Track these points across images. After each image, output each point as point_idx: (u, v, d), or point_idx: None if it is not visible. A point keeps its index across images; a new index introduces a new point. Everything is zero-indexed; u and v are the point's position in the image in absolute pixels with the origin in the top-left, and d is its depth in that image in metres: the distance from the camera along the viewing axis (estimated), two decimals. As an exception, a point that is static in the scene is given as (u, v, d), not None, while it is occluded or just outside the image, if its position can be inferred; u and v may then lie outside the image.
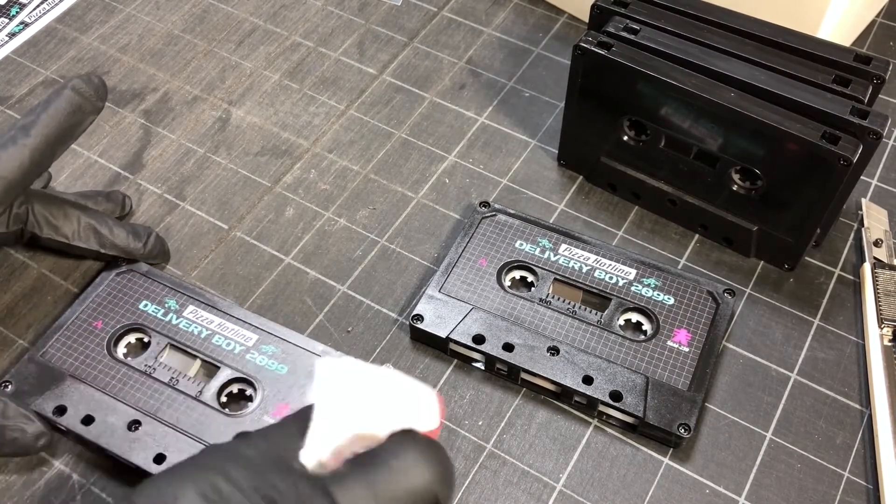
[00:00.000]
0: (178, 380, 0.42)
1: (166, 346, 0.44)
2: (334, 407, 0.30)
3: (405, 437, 0.30)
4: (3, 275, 0.48)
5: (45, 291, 0.48)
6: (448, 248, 0.49)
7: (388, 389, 0.31)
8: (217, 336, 0.44)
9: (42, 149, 0.41)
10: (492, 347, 0.43)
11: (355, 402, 0.30)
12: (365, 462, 0.29)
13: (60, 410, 0.41)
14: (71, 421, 0.41)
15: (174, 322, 0.44)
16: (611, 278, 0.46)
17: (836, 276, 0.48)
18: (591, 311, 0.45)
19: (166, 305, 0.45)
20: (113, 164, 0.53)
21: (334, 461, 0.30)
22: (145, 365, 0.43)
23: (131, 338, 0.44)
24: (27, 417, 0.40)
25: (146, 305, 0.45)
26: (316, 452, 0.30)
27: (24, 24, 0.62)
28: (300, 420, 0.30)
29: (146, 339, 0.44)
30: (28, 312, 0.47)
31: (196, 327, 0.44)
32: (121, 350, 0.44)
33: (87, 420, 0.41)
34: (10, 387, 0.42)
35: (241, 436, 0.31)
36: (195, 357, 0.43)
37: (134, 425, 0.41)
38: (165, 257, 0.48)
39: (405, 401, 0.31)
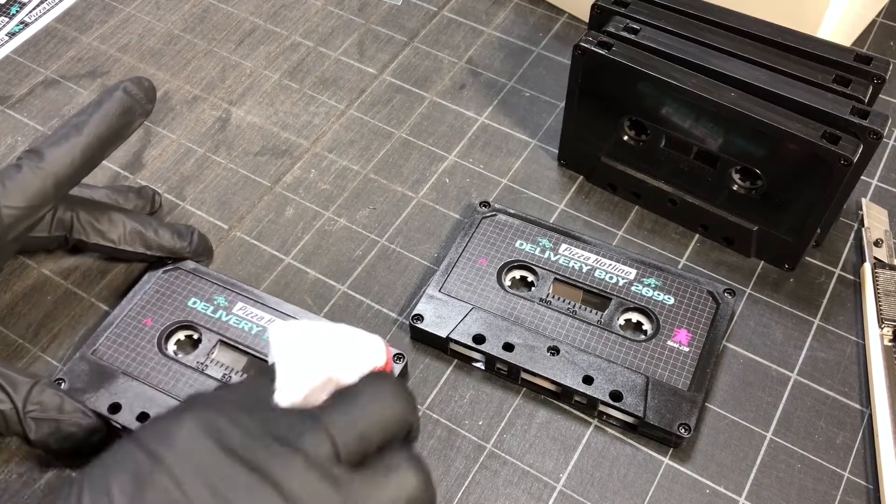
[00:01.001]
0: (230, 376, 0.43)
1: (217, 342, 0.44)
2: (296, 360, 0.32)
3: (375, 377, 0.32)
4: (3, 275, 0.48)
5: (45, 291, 0.48)
6: (448, 248, 0.49)
7: (340, 338, 0.34)
8: (267, 332, 0.44)
9: (93, 147, 0.42)
10: (492, 347, 0.43)
11: (313, 353, 0.33)
12: (343, 398, 0.31)
13: (115, 408, 0.41)
14: (126, 418, 0.41)
15: (224, 319, 0.44)
16: (611, 278, 0.46)
17: (836, 276, 0.48)
18: (591, 311, 0.45)
19: (215, 302, 0.45)
20: (113, 164, 0.53)
21: (307, 405, 0.32)
22: (197, 362, 0.43)
23: (181, 335, 0.44)
24: (83, 413, 0.40)
25: (195, 302, 0.45)
26: (288, 396, 0.32)
27: (24, 24, 0.62)
28: (266, 374, 0.32)
29: (196, 336, 0.44)
30: (28, 312, 0.47)
31: (246, 324, 0.44)
32: (171, 347, 0.44)
33: (143, 417, 0.41)
34: (63, 384, 0.42)
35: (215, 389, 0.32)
36: (246, 353, 0.44)
37: None
38: (209, 254, 0.49)
39: (357, 345, 0.34)
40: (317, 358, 0.33)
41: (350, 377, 0.33)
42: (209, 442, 0.29)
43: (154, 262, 0.47)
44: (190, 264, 0.47)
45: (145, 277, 0.46)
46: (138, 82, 0.43)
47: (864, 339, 0.45)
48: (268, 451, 0.29)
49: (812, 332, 0.46)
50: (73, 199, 0.45)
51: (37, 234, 0.44)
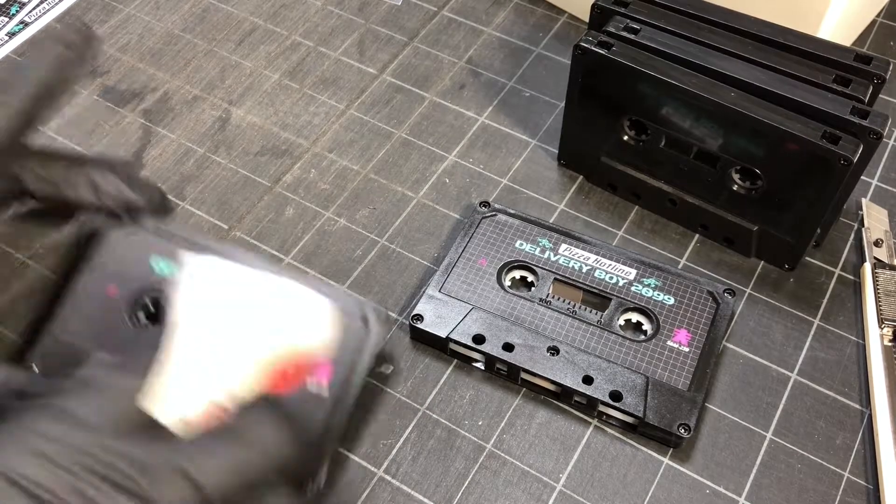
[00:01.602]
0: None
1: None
2: (198, 329, 0.25)
3: (257, 411, 0.28)
4: (3, 275, 0.48)
5: (46, 291, 0.47)
6: (448, 248, 0.49)
7: (268, 302, 0.26)
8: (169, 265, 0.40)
9: (26, 108, 0.37)
10: (492, 347, 0.43)
11: (227, 320, 0.26)
12: (220, 435, 0.27)
13: None
14: None
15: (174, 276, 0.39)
16: (611, 278, 0.46)
17: (836, 276, 0.48)
18: (591, 311, 0.45)
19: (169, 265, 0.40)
20: (113, 164, 0.53)
21: (200, 418, 0.26)
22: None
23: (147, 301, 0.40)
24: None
25: (158, 263, 0.40)
26: (172, 402, 0.25)
27: (24, 24, 0.62)
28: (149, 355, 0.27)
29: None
30: (28, 312, 0.47)
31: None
32: (143, 318, 0.40)
33: None
34: (36, 368, 0.39)
35: (73, 385, 0.26)
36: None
37: None
38: (167, 210, 0.43)
39: (289, 315, 0.27)
40: (230, 327, 0.25)
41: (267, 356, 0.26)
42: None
43: (112, 224, 0.41)
44: (150, 224, 0.41)
45: (102, 242, 0.41)
46: (75, 30, 0.38)
47: (864, 339, 0.45)
48: (102, 497, 0.23)
49: (812, 332, 0.46)
50: (23, 152, 0.40)
51: None
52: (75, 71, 0.39)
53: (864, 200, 0.50)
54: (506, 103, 0.57)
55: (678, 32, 0.46)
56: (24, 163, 0.40)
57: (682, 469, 0.41)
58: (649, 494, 0.41)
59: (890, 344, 0.44)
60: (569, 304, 0.45)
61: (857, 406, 0.43)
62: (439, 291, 0.45)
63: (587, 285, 0.46)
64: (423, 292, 0.45)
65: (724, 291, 0.45)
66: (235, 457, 0.26)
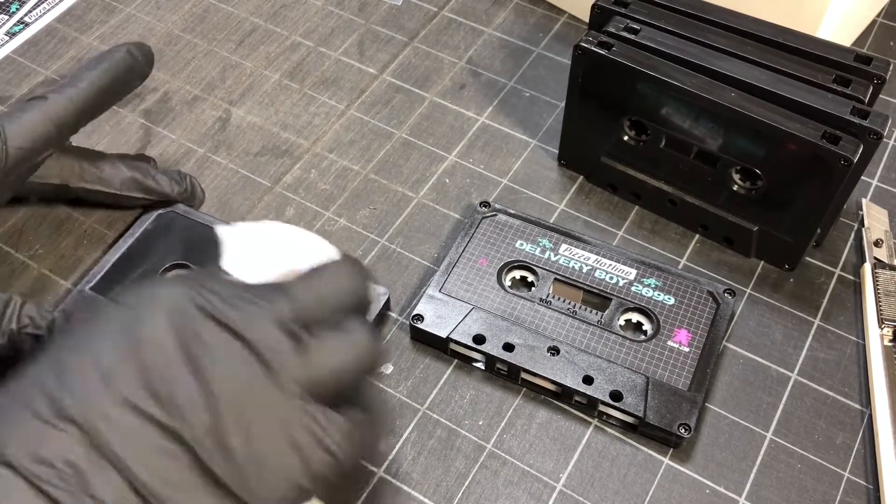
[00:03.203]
0: None
1: None
2: (246, 260, 0.35)
3: (336, 261, 0.34)
4: (3, 275, 0.48)
5: (46, 291, 0.48)
6: (448, 248, 0.49)
7: (289, 240, 0.36)
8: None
9: (92, 98, 0.44)
10: (492, 347, 0.43)
11: (265, 254, 0.35)
12: (305, 274, 0.33)
13: None
14: None
15: None
16: (611, 278, 0.46)
17: (836, 276, 0.48)
18: (591, 311, 0.45)
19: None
20: (113, 164, 0.53)
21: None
22: None
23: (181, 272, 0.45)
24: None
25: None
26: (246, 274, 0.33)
27: (24, 24, 0.62)
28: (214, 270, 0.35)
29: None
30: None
31: None
32: None
33: None
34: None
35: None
36: None
37: None
38: (202, 199, 0.51)
39: (307, 247, 0.36)
40: (269, 259, 0.35)
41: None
42: (190, 306, 0.30)
43: (147, 206, 0.49)
44: (181, 207, 0.49)
45: (138, 222, 0.48)
46: (140, 46, 0.46)
47: (864, 339, 0.45)
48: (236, 310, 0.30)
49: (812, 332, 0.46)
50: (76, 150, 0.47)
51: (41, 180, 0.45)
52: (134, 82, 0.46)
53: (864, 200, 0.50)
54: (506, 103, 0.57)
55: (678, 32, 0.46)
56: (78, 159, 0.47)
57: (682, 469, 0.41)
58: (649, 494, 0.41)
59: (890, 344, 0.44)
60: (569, 304, 0.45)
61: (857, 406, 0.43)
62: (439, 291, 0.45)
63: (587, 285, 0.46)
64: (424, 292, 0.45)
65: (724, 291, 0.45)
66: (319, 282, 0.33)
